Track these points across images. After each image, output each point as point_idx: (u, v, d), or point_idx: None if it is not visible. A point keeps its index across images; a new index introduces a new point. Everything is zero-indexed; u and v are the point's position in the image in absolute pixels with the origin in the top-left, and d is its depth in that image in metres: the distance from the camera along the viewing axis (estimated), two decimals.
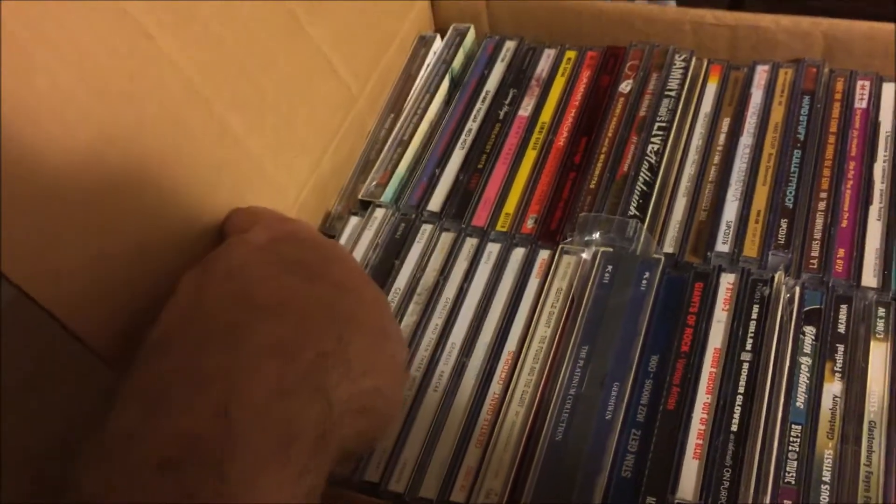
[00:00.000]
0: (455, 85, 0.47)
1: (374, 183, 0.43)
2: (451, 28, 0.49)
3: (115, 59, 0.32)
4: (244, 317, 0.26)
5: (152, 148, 0.33)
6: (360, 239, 0.40)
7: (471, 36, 0.49)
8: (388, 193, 0.42)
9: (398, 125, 0.45)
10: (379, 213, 0.41)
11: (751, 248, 0.37)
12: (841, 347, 0.34)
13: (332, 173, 0.43)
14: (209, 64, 0.36)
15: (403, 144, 0.44)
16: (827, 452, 0.31)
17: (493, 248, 0.39)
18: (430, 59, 0.48)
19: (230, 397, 0.23)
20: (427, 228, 0.40)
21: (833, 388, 0.33)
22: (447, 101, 0.46)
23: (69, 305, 0.30)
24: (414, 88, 0.46)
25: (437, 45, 0.48)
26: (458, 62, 0.48)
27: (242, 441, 0.22)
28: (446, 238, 0.40)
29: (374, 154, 0.44)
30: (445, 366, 0.36)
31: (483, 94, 0.46)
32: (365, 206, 0.42)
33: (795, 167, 0.39)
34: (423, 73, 0.47)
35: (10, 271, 0.28)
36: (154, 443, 0.22)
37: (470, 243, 0.40)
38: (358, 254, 0.40)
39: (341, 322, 0.28)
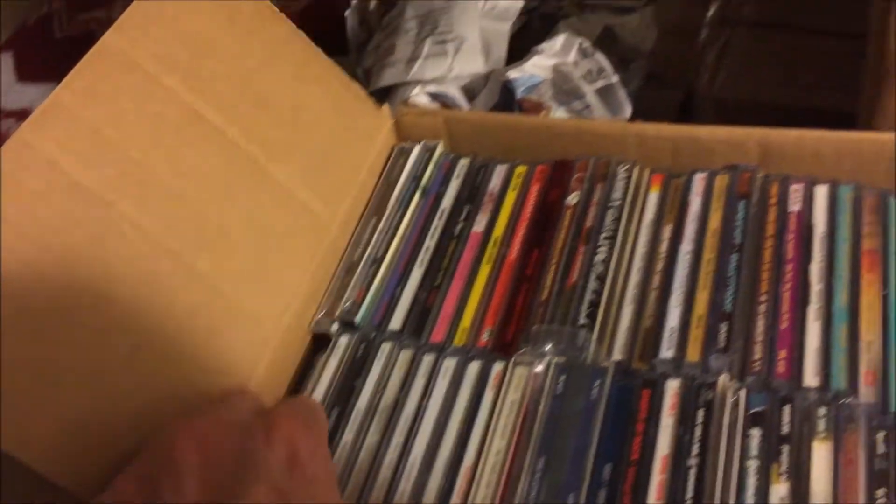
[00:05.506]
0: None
1: (349, 302, 0.44)
2: (420, 144, 0.51)
3: (77, 228, 0.34)
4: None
5: (123, 304, 0.35)
6: (326, 368, 0.42)
7: (440, 150, 0.51)
8: (363, 311, 0.44)
9: (372, 243, 0.47)
10: (343, 340, 0.43)
11: (693, 353, 0.38)
12: (785, 449, 0.35)
13: (312, 298, 0.45)
14: (171, 218, 0.38)
15: (377, 262, 0.46)
16: None
17: (449, 364, 0.41)
18: (406, 171, 0.50)
19: None
20: (386, 347, 0.42)
21: (780, 489, 0.34)
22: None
23: (49, 461, 0.32)
24: (388, 206, 0.48)
25: (416, 152, 0.50)
26: (427, 177, 0.50)
27: None
28: (405, 356, 0.41)
29: (350, 274, 0.46)
30: (407, 483, 0.37)
31: (440, 211, 0.48)
32: (342, 326, 0.44)
33: (733, 271, 0.41)
34: (397, 189, 0.49)
35: None
36: None
37: (427, 360, 0.41)
38: (323, 383, 0.41)
39: None
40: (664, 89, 0.67)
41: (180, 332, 0.38)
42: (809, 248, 0.41)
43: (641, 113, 0.64)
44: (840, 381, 0.37)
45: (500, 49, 0.59)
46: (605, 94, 0.62)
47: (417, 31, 0.57)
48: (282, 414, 0.32)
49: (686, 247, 0.43)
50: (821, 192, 0.44)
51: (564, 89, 0.60)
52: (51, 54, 0.83)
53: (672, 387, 0.37)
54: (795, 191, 0.44)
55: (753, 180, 0.45)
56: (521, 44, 0.66)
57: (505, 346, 0.41)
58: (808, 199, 0.43)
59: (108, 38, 0.38)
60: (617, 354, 0.40)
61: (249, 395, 0.34)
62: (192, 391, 0.37)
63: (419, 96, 0.58)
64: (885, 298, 0.39)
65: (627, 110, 0.62)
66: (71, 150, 0.35)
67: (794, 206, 0.43)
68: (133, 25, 0.39)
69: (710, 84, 0.63)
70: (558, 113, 0.59)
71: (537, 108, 0.59)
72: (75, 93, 0.36)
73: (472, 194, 0.48)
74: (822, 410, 0.36)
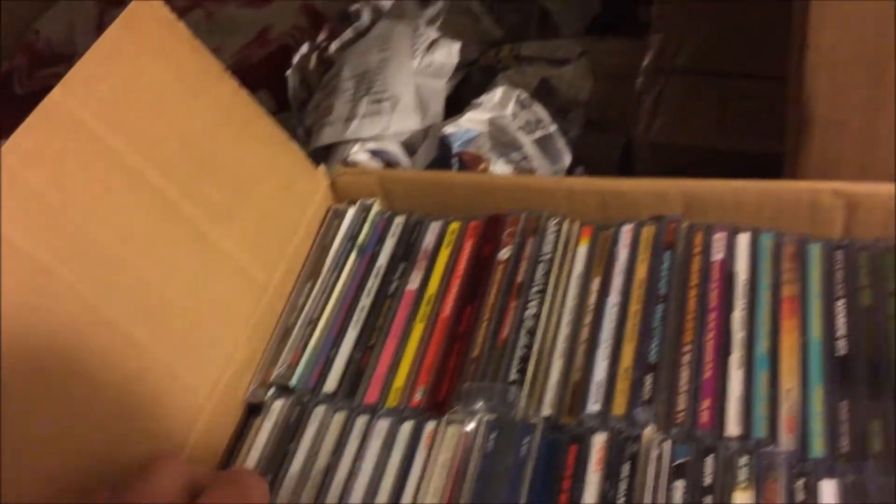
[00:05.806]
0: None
1: (284, 365, 0.45)
2: (357, 203, 0.52)
3: (16, 296, 0.34)
4: None
5: (61, 373, 0.35)
6: (260, 432, 0.42)
7: (376, 209, 0.52)
8: (298, 373, 0.44)
9: (307, 305, 0.47)
10: (277, 404, 0.43)
11: (619, 406, 0.39)
12: (708, 499, 0.35)
13: (248, 363, 0.45)
14: (111, 286, 0.38)
15: (313, 323, 0.46)
16: None
17: (382, 425, 0.41)
18: (341, 232, 0.50)
19: None
20: (320, 410, 0.42)
21: None
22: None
23: None
24: (323, 269, 0.49)
25: (351, 212, 0.51)
26: (363, 235, 0.50)
27: None
28: (339, 418, 0.42)
29: (285, 339, 0.46)
30: None
31: (375, 269, 0.49)
32: (279, 390, 0.44)
33: (659, 322, 0.42)
34: (332, 250, 0.50)
35: None
36: None
37: (361, 422, 0.41)
38: (257, 448, 0.41)
39: None
40: (605, 135, 0.69)
41: (118, 400, 0.38)
42: (731, 297, 0.42)
43: (584, 160, 0.65)
44: (761, 429, 0.37)
45: (437, 105, 0.60)
46: (543, 144, 0.64)
47: (354, 90, 0.58)
48: (213, 497, 0.31)
49: (613, 299, 0.43)
50: (742, 241, 0.45)
51: (502, 141, 0.61)
52: (13, 110, 0.83)
53: (598, 441, 0.38)
54: (718, 240, 0.45)
55: (678, 230, 0.46)
56: (464, 95, 0.68)
57: (438, 404, 0.41)
58: (731, 248, 0.44)
59: (55, 96, 0.37)
60: (546, 409, 0.40)
61: (177, 466, 0.33)
62: (129, 459, 0.37)
63: (359, 154, 0.59)
64: (803, 345, 0.40)
65: (567, 159, 0.64)
66: (13, 216, 0.35)
67: (718, 254, 0.44)
68: (80, 82, 0.38)
69: (647, 130, 0.65)
70: (498, 164, 0.60)
71: (477, 160, 0.60)
72: (20, 154, 0.36)
73: (407, 252, 0.49)
74: (744, 459, 0.36)
